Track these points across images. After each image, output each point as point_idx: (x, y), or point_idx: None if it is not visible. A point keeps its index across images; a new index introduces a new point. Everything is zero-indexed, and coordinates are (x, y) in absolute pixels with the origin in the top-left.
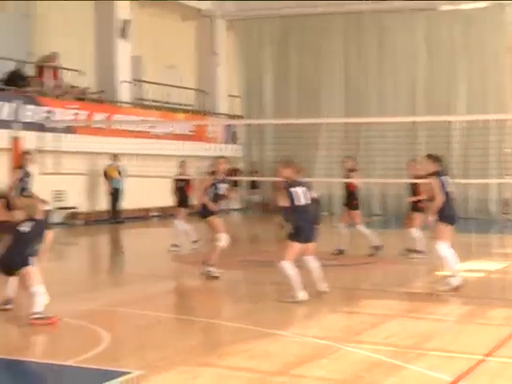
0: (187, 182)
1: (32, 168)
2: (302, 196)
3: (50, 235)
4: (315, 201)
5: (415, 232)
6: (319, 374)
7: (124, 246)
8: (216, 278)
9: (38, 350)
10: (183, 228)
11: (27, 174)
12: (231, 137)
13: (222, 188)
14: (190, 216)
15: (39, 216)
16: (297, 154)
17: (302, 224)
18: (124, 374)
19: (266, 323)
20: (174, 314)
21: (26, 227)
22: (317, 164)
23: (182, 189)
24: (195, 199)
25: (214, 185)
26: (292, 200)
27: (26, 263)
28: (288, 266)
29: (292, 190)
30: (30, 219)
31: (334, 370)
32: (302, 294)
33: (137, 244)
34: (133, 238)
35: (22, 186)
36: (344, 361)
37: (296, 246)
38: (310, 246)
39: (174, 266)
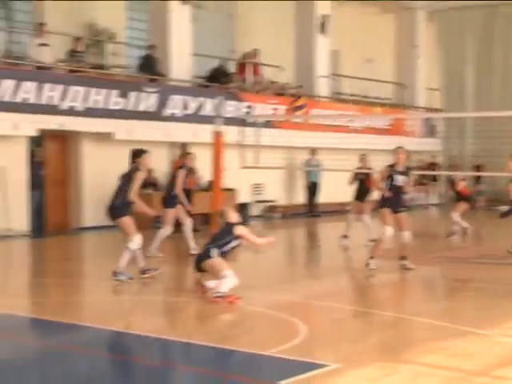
0: (367, 175)
1: (193, 165)
2: None
3: (240, 231)
4: None
5: None
6: None
7: (320, 239)
8: (411, 269)
9: (237, 339)
10: (367, 222)
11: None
12: (430, 130)
13: (400, 180)
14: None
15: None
16: (498, 148)
17: None
18: (321, 366)
19: (465, 321)
20: (369, 309)
21: None
22: None
23: (361, 182)
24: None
25: (390, 176)
26: None
27: (207, 256)
28: None
29: None
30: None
31: None
32: None
33: (332, 238)
34: (328, 232)
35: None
36: None
37: None
38: None
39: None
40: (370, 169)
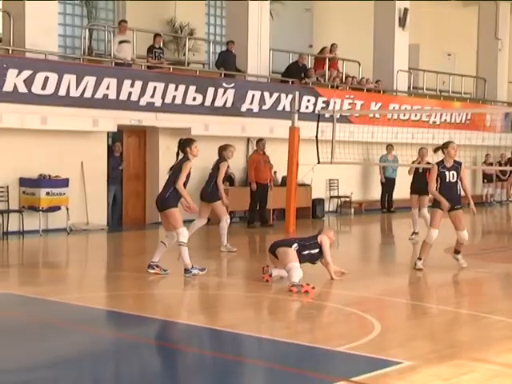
0: (426, 170)
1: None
2: None
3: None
4: None
5: None
6: None
7: (395, 235)
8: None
9: (309, 335)
10: (426, 216)
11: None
12: (511, 125)
13: (451, 176)
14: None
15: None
16: None
17: None
18: (393, 363)
19: None
20: (444, 306)
21: None
22: None
23: (420, 176)
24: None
25: (441, 174)
26: None
27: (287, 245)
28: None
29: None
30: None
31: None
32: None
33: (406, 234)
34: (402, 228)
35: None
36: None
37: None
38: None
39: (447, 256)
40: (428, 163)
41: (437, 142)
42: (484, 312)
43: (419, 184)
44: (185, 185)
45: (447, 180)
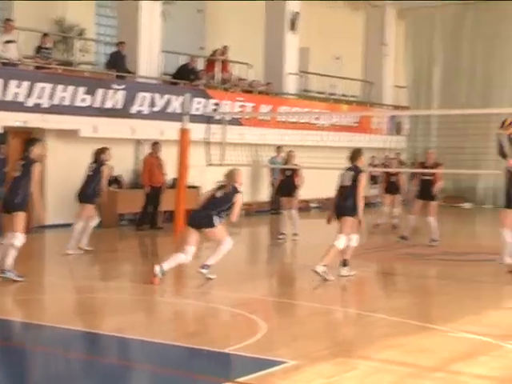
0: (295, 171)
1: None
2: None
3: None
4: None
5: None
6: (478, 372)
7: (284, 235)
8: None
9: (197, 337)
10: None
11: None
12: (395, 128)
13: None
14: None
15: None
16: (463, 146)
17: None
18: (279, 363)
19: (422, 317)
20: (329, 305)
21: None
22: (487, 155)
23: (288, 178)
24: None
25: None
26: None
27: (212, 225)
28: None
29: None
30: None
31: (494, 368)
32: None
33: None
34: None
35: None
36: (505, 359)
37: None
38: None
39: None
40: (296, 165)
41: (325, 145)
42: (367, 310)
43: (287, 186)
44: None
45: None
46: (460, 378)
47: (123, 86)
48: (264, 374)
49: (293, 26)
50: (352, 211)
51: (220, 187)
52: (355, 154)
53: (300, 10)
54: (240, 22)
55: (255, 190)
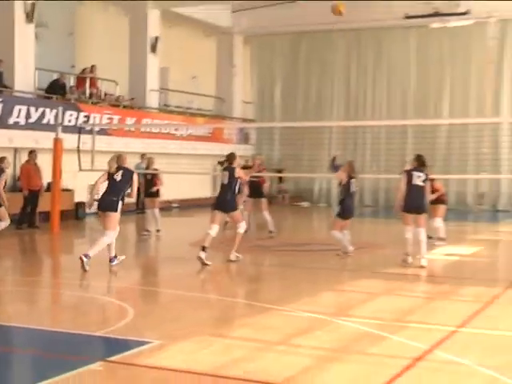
0: (155, 175)
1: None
2: None
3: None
4: None
5: (439, 222)
6: (313, 344)
7: (149, 232)
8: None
9: (72, 322)
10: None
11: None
12: (244, 138)
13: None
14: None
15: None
16: (301, 153)
17: None
18: (145, 343)
19: (268, 300)
20: (191, 292)
21: None
22: (321, 162)
23: (149, 181)
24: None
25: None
26: None
27: (114, 209)
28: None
29: None
30: None
31: (326, 341)
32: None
33: (161, 230)
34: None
35: None
36: (336, 333)
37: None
38: None
39: (192, 249)
40: (156, 170)
41: (185, 153)
42: (222, 295)
43: (149, 188)
44: None
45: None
46: (299, 350)
47: (1, 100)
48: (132, 352)
49: (154, 49)
50: (234, 203)
51: (116, 170)
52: (230, 157)
53: (160, 35)
54: (107, 44)
55: None
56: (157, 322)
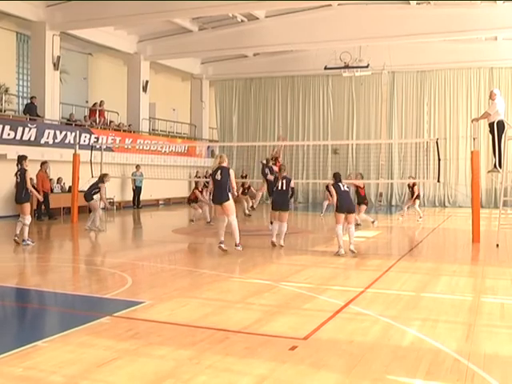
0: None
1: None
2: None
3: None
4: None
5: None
6: (263, 302)
7: (142, 222)
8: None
9: (88, 288)
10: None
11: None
12: (210, 153)
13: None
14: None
15: None
16: (252, 164)
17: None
18: (141, 303)
19: (229, 271)
20: (173, 265)
21: None
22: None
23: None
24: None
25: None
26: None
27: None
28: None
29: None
30: None
31: (272, 300)
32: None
33: (150, 221)
34: (147, 218)
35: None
36: (279, 294)
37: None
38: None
39: (173, 234)
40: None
41: (168, 164)
42: (196, 268)
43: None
44: None
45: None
46: (252, 306)
47: (35, 125)
48: (130, 310)
49: (145, 89)
50: (227, 197)
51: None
52: (221, 158)
53: (149, 79)
54: (111, 86)
55: (123, 192)
56: (148, 287)
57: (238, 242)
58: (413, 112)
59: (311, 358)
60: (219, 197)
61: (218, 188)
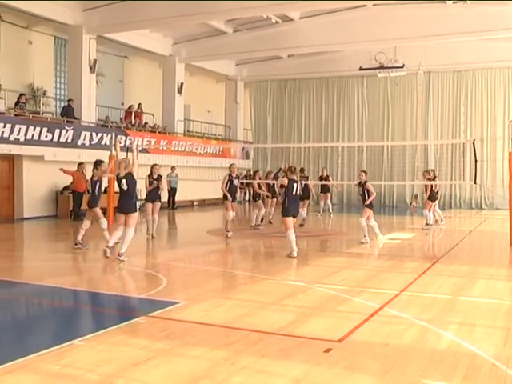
0: (159, 180)
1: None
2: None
3: None
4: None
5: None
6: (298, 304)
7: (177, 223)
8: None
9: (124, 288)
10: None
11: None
12: (245, 155)
13: (236, 182)
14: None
15: None
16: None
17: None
18: (176, 303)
19: (263, 272)
20: (208, 266)
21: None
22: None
23: (155, 187)
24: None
25: (230, 180)
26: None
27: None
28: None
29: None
30: None
31: (307, 301)
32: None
33: (185, 222)
34: (183, 218)
35: None
36: (313, 296)
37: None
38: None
39: (208, 236)
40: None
41: (202, 165)
42: (231, 269)
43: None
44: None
45: (232, 184)
46: (287, 308)
47: (72, 127)
48: (166, 310)
49: (180, 91)
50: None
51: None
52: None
53: (184, 81)
54: (146, 88)
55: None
56: (183, 288)
57: (123, 251)
58: (449, 113)
59: (346, 360)
60: (125, 207)
61: (125, 197)
